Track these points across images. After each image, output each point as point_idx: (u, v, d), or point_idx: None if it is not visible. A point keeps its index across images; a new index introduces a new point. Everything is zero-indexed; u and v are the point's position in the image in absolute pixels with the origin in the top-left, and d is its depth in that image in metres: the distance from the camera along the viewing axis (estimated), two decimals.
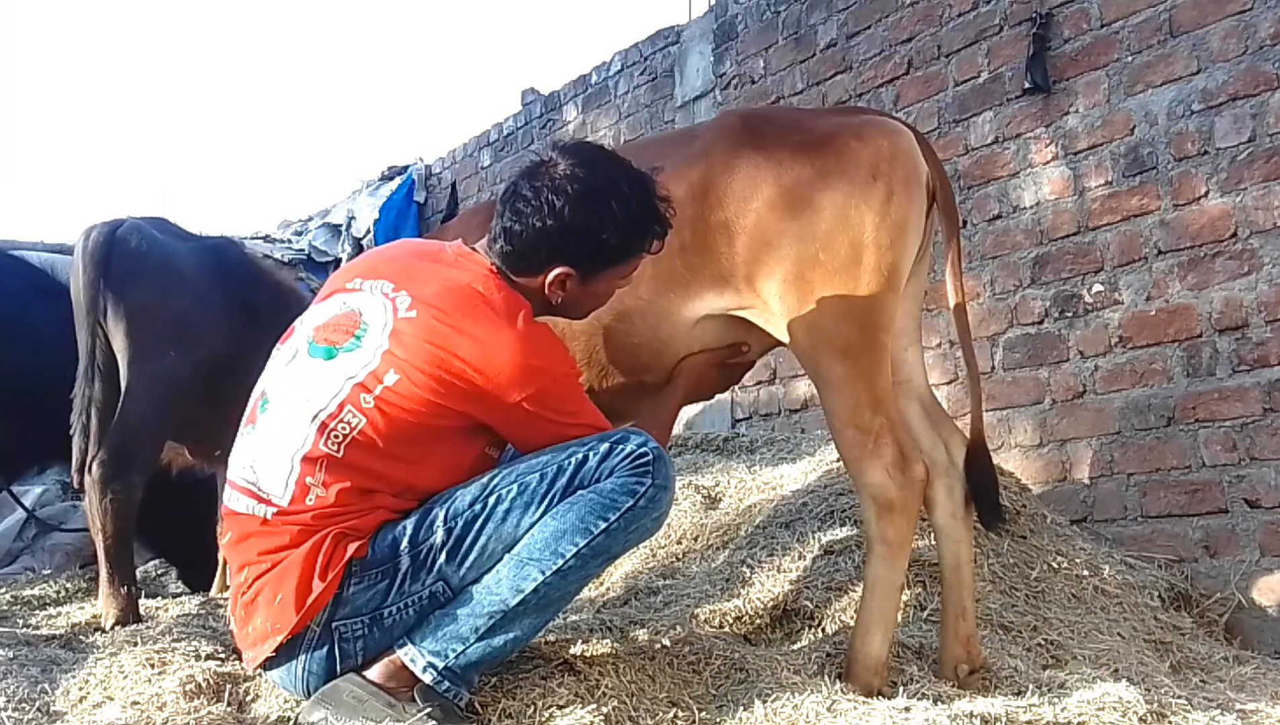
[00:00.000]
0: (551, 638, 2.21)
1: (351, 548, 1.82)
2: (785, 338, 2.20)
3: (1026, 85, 3.76)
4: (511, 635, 1.84)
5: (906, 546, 2.16)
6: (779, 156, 2.18)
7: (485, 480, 1.87)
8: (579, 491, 1.82)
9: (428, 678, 1.82)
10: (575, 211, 1.90)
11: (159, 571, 4.66)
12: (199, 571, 4.07)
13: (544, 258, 1.94)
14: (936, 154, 2.29)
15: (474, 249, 2.00)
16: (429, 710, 1.78)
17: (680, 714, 1.85)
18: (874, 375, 2.13)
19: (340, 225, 7.71)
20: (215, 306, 3.39)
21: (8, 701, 1.96)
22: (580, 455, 1.84)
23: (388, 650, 1.85)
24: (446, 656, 1.82)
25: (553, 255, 1.94)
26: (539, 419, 1.88)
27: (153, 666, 2.19)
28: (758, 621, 2.59)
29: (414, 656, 1.83)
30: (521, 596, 1.80)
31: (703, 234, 2.18)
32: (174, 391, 3.20)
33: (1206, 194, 3.30)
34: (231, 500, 1.94)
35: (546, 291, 1.97)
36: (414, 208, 7.44)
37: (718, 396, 2.76)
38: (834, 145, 2.16)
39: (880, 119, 2.27)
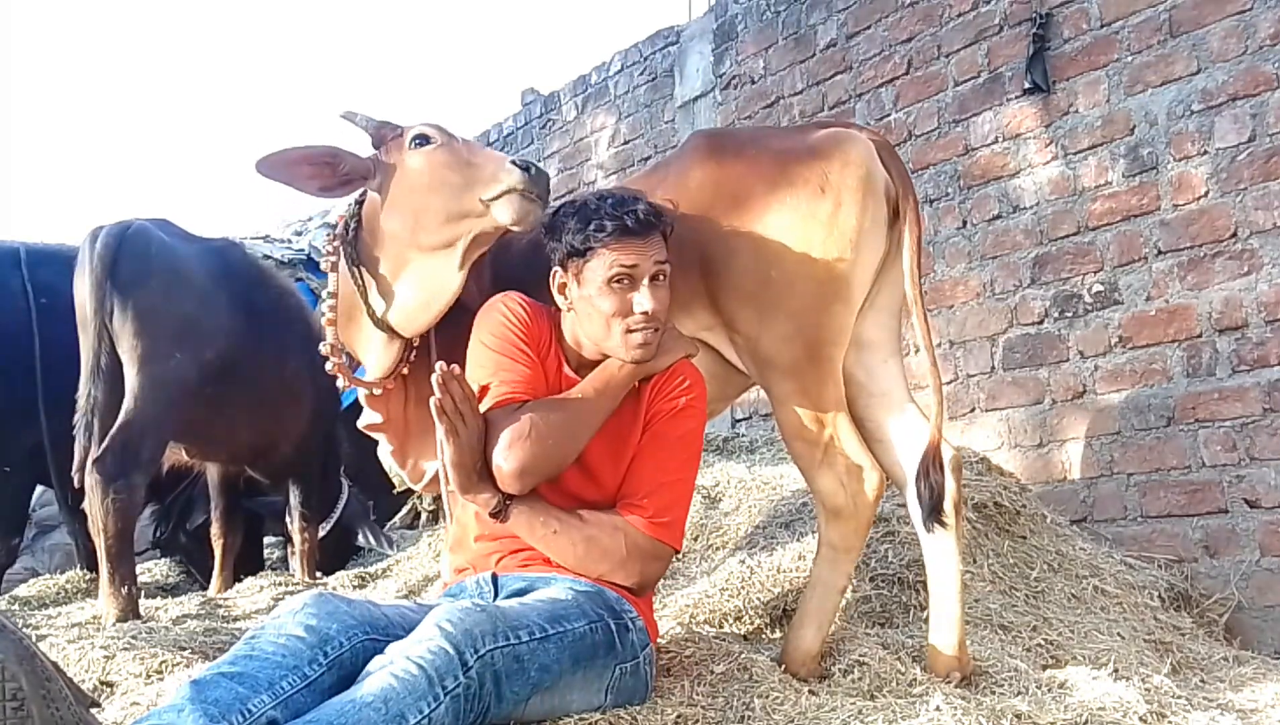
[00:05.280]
0: None
1: None
2: (737, 359, 2.20)
3: (1026, 85, 3.76)
4: None
5: (854, 552, 2.18)
6: (733, 172, 2.18)
7: None
8: None
9: None
10: (549, 222, 2.07)
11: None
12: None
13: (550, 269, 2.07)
14: (901, 160, 2.25)
15: None
16: None
17: (682, 715, 1.85)
18: (820, 390, 2.11)
19: None
20: (221, 309, 3.40)
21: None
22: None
23: None
24: None
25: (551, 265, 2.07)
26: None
27: (153, 667, 2.19)
28: (758, 621, 2.58)
29: None
30: None
31: (674, 253, 2.14)
32: (179, 393, 3.21)
33: (1206, 194, 3.30)
34: None
35: (558, 297, 2.07)
36: None
37: None
38: (782, 159, 2.15)
39: (836, 130, 2.22)
